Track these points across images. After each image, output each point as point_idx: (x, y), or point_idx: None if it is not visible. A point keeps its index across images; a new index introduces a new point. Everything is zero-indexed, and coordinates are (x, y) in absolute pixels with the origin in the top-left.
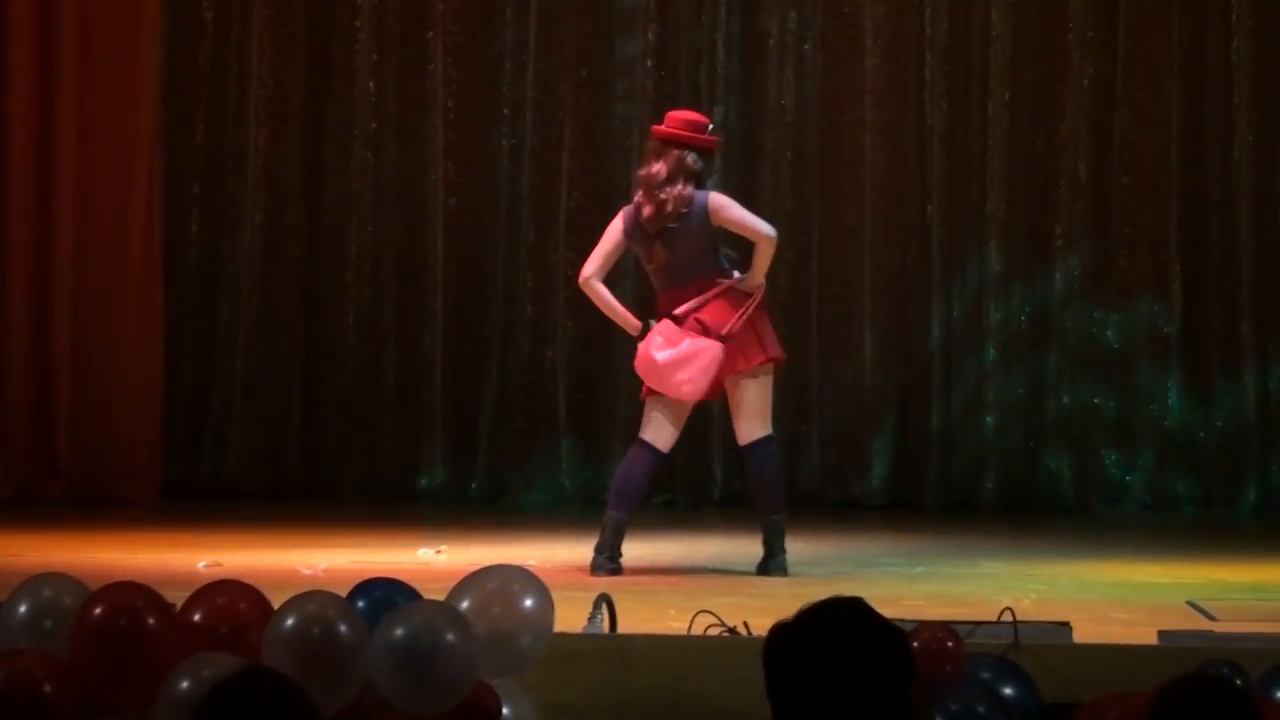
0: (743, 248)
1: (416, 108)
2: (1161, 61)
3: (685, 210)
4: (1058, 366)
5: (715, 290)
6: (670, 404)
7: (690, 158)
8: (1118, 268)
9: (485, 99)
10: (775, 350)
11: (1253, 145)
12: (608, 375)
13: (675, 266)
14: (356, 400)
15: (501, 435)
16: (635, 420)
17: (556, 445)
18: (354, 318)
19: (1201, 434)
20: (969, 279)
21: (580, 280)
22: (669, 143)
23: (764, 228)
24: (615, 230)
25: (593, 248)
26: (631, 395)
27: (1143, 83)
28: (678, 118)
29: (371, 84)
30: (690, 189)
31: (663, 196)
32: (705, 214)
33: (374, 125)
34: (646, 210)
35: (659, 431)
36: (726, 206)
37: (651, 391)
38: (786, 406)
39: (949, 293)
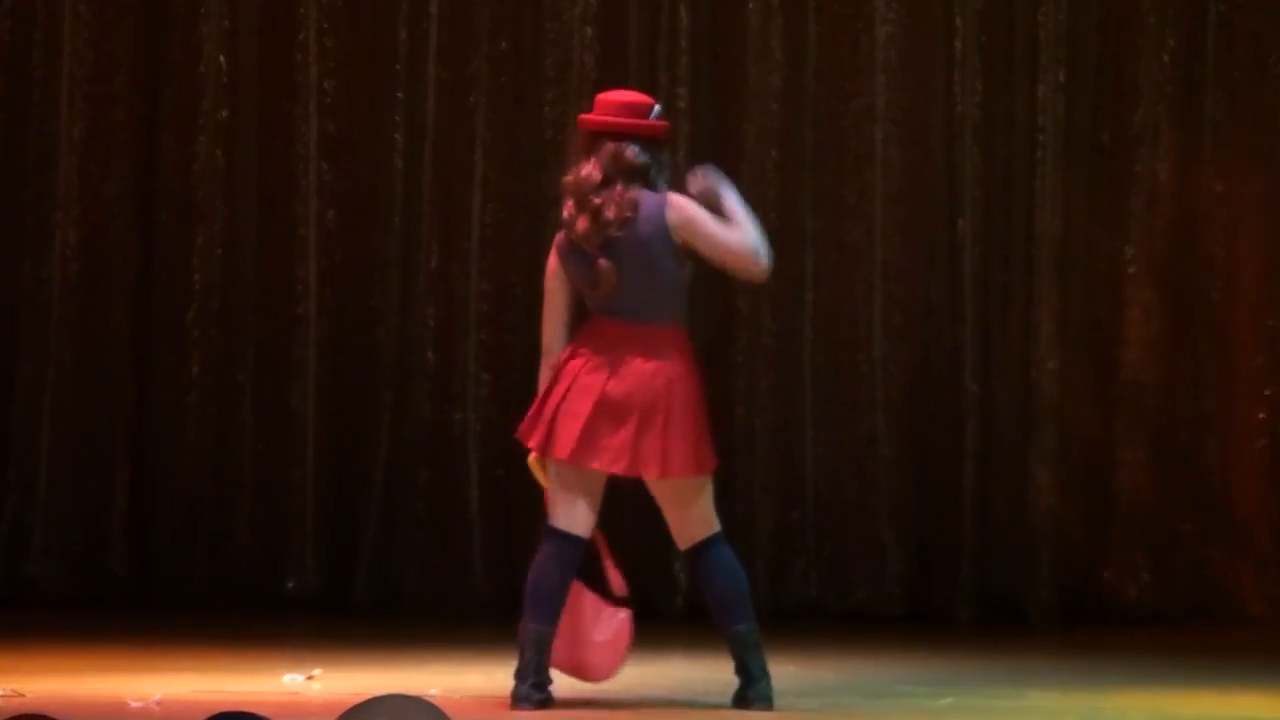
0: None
1: (282, 89)
2: (1266, 27)
3: (630, 215)
4: (1128, 432)
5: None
6: (578, 475)
7: (630, 150)
8: (1208, 304)
9: (373, 78)
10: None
11: None
12: None
13: (628, 294)
14: (202, 478)
15: (393, 524)
16: None
17: (467, 537)
18: (199, 368)
19: None
20: (1013, 318)
21: (548, 364)
22: (601, 134)
23: (741, 243)
24: (551, 272)
25: (517, 276)
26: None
27: (1243, 56)
28: (609, 101)
29: (222, 58)
30: (636, 190)
31: (597, 201)
32: (663, 221)
33: (225, 113)
34: (580, 225)
35: (570, 513)
36: (693, 218)
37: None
38: (774, 488)
39: (987, 335)
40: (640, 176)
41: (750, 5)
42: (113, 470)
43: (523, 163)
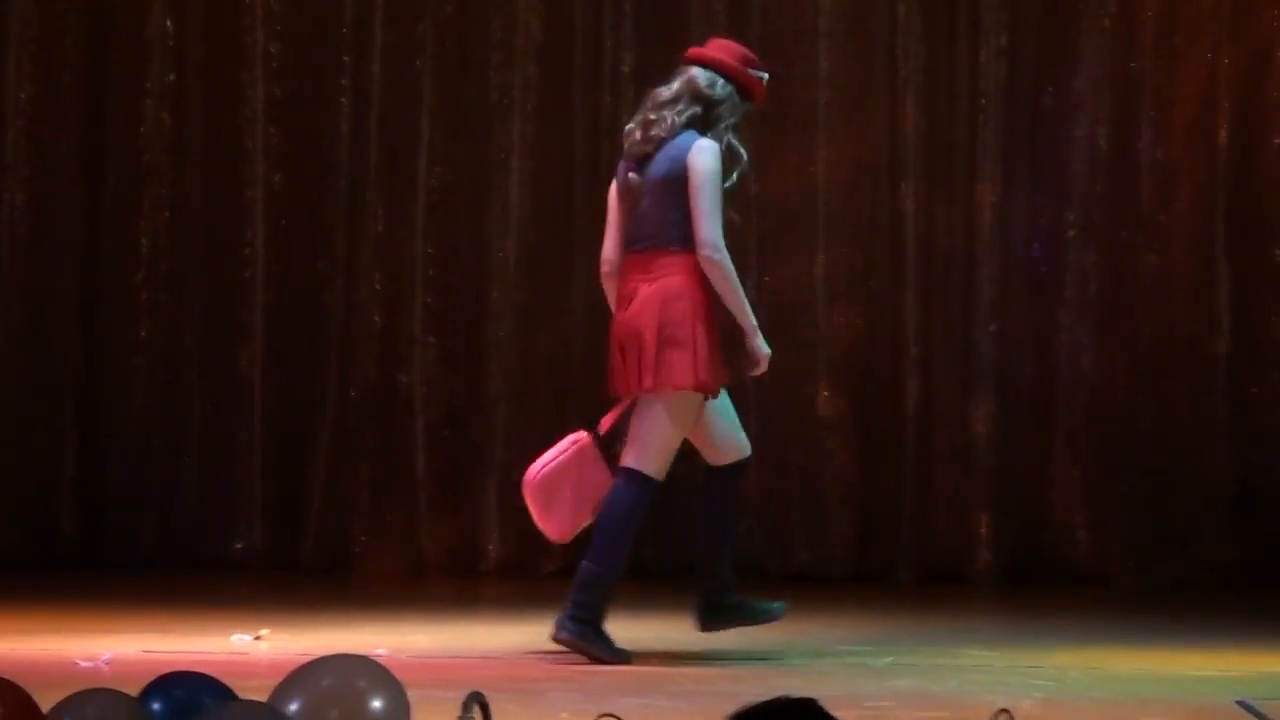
0: None
1: (229, 53)
2: None
3: (665, 137)
4: (1067, 394)
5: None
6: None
7: (704, 80)
8: (1147, 266)
9: (319, 43)
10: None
11: None
12: (480, 407)
13: (639, 220)
14: (149, 441)
15: (341, 486)
16: (516, 464)
17: (413, 499)
18: (146, 331)
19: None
20: (954, 282)
21: (603, 273)
22: (692, 62)
23: (711, 233)
24: (612, 190)
25: (462, 241)
26: (510, 436)
27: (1181, 22)
28: (716, 40)
29: (169, 22)
30: (683, 117)
31: (653, 117)
32: (682, 160)
33: (172, 76)
34: (634, 133)
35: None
36: (701, 169)
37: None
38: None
39: (928, 298)
40: (706, 109)
41: None
42: (61, 432)
43: (469, 127)
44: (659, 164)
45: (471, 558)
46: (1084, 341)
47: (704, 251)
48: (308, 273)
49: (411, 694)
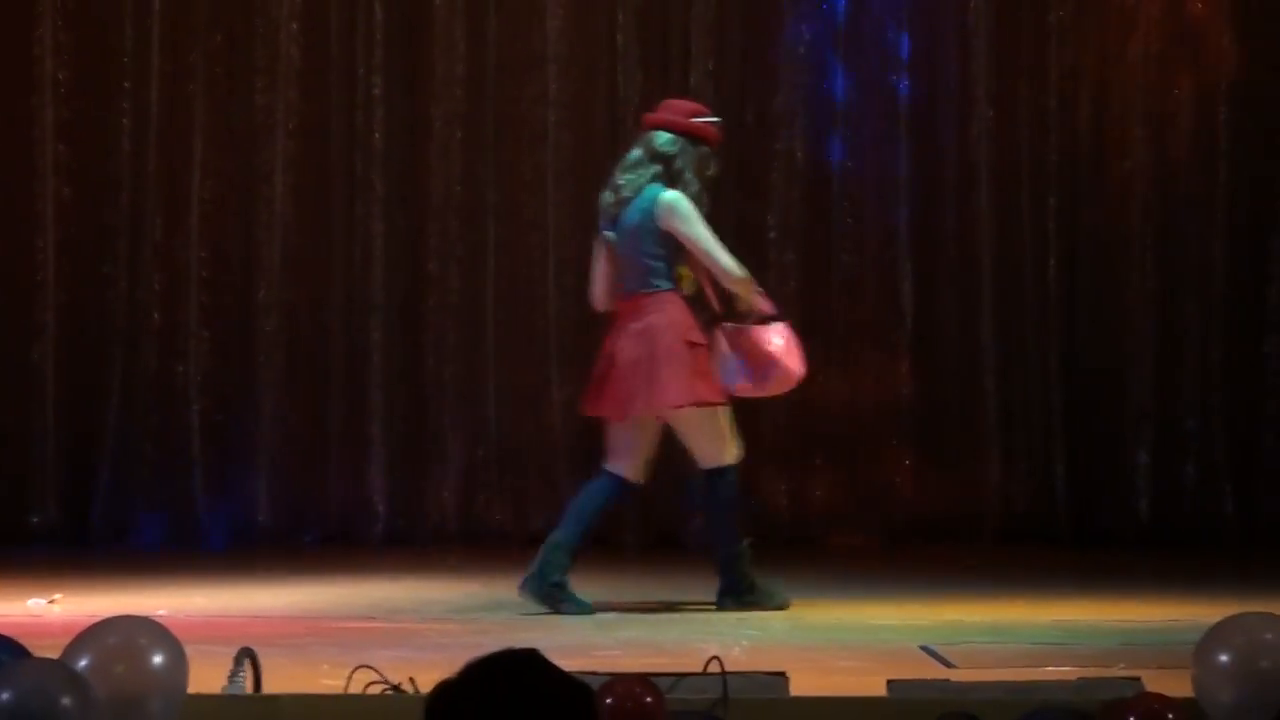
0: None
1: (21, 80)
2: (890, 21)
3: (631, 196)
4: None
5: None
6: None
7: (660, 140)
8: (840, 264)
9: (103, 70)
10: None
11: (992, 120)
12: (249, 393)
13: (620, 270)
14: None
15: (125, 464)
16: (282, 445)
17: (189, 476)
18: None
19: (942, 446)
20: None
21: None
22: (649, 126)
23: (721, 258)
24: (596, 244)
25: (232, 245)
26: (275, 420)
27: (868, 47)
28: (666, 103)
29: None
30: (646, 175)
31: (620, 181)
32: (650, 210)
33: None
34: (608, 198)
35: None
36: (677, 210)
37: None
38: (461, 426)
39: None
40: (664, 164)
41: (437, 3)
42: None
43: (236, 143)
44: (629, 218)
45: (243, 528)
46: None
47: (726, 283)
48: (94, 275)
49: (189, 649)
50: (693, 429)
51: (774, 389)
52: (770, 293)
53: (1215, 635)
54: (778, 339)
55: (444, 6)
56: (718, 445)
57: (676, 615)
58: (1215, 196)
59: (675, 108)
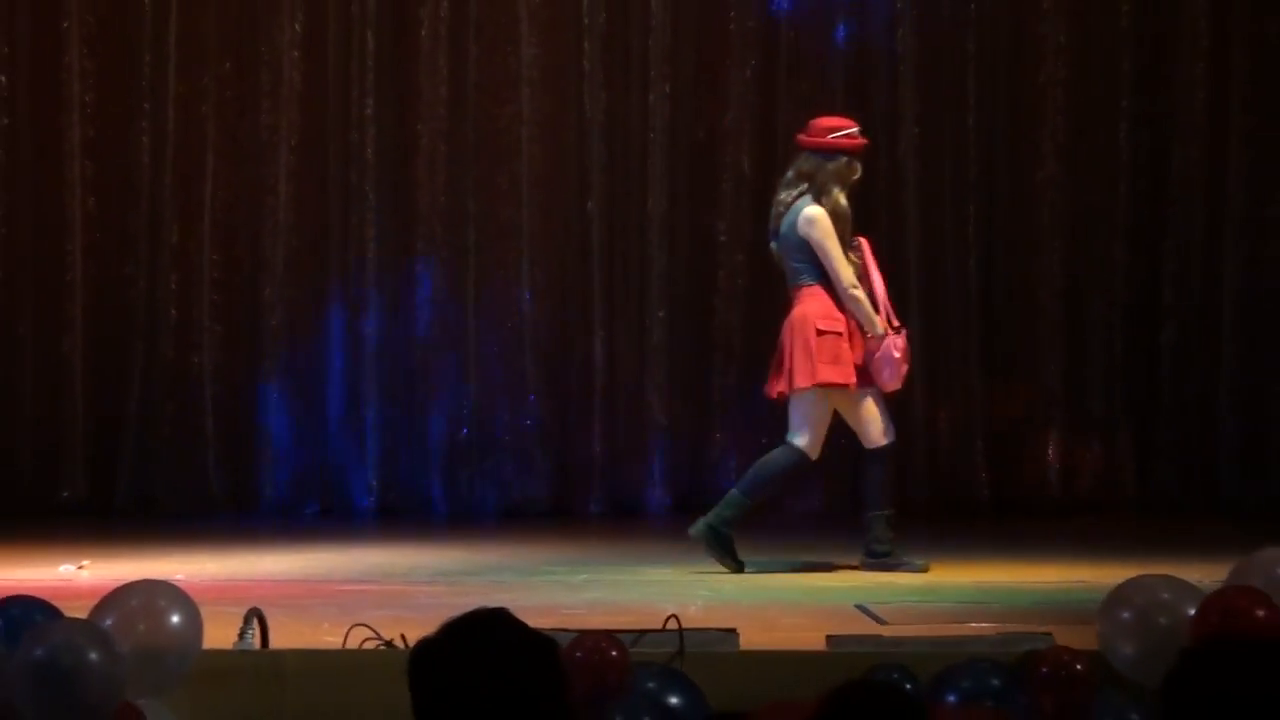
0: None
1: (51, 101)
2: (824, 50)
3: (782, 211)
4: (723, 365)
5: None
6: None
7: (805, 161)
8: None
9: (124, 92)
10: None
11: (918, 137)
12: (256, 380)
13: (785, 270)
14: None
15: (147, 444)
16: (289, 426)
17: (204, 455)
18: None
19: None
20: (630, 278)
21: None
22: (799, 147)
23: (841, 272)
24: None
25: (241, 249)
26: (281, 405)
27: (806, 72)
28: (810, 123)
29: (3, 77)
30: (795, 192)
31: (780, 197)
32: (794, 224)
33: (6, 120)
34: (773, 212)
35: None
36: (816, 224)
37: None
38: (443, 411)
39: (610, 291)
40: (809, 179)
41: (423, 32)
42: None
43: (244, 158)
44: (785, 229)
45: (251, 501)
46: (734, 323)
47: (841, 289)
48: (117, 276)
49: (203, 610)
50: (843, 409)
51: (888, 387)
52: (721, 290)
53: (1118, 595)
54: (895, 351)
55: (429, 36)
56: (865, 427)
57: (635, 578)
58: (1116, 205)
59: (814, 128)
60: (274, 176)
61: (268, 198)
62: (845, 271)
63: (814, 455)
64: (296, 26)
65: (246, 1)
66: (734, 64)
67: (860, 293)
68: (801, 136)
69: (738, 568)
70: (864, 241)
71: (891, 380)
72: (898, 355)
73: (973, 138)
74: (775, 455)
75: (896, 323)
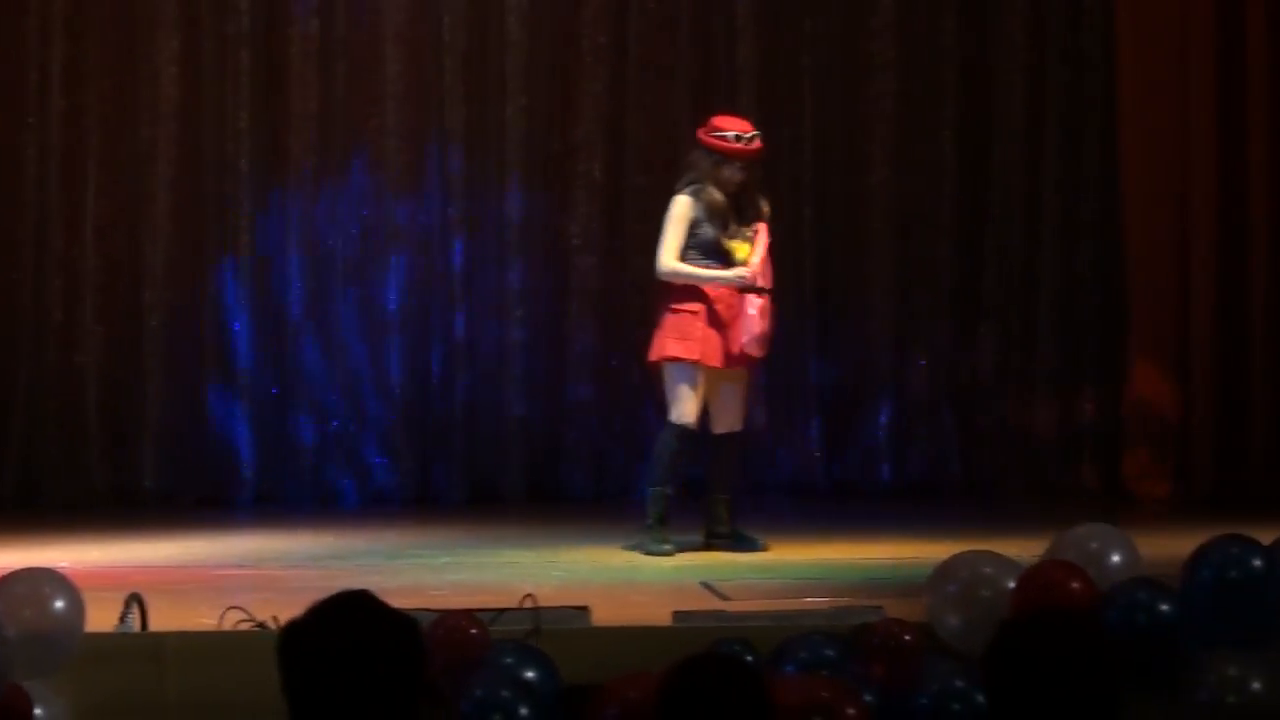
0: None
1: None
2: (673, 64)
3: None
4: (579, 363)
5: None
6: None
7: (693, 152)
8: (634, 267)
9: (10, 107)
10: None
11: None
12: (137, 380)
13: None
14: None
15: (32, 439)
16: (168, 424)
17: (87, 449)
18: None
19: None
20: (489, 281)
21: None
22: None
23: (660, 259)
24: None
25: (121, 254)
26: (161, 403)
27: (654, 86)
28: (708, 118)
29: None
30: (681, 183)
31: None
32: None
33: None
34: None
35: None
36: (670, 208)
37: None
38: (315, 408)
39: (471, 295)
40: (691, 170)
41: (293, 50)
42: None
43: (124, 171)
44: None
45: (133, 493)
46: (588, 324)
47: (658, 269)
48: (3, 281)
49: (86, 595)
50: (663, 382)
51: (751, 351)
52: (572, 290)
53: (944, 570)
54: (750, 309)
55: (299, 54)
56: (718, 413)
57: (495, 560)
58: (941, 207)
59: (707, 124)
60: (153, 187)
61: (147, 207)
62: (665, 256)
63: (690, 422)
64: (174, 44)
65: (127, 22)
66: (586, 79)
67: (680, 268)
68: (698, 130)
69: (675, 549)
70: (762, 227)
71: (750, 344)
72: (753, 312)
73: (808, 145)
74: (659, 437)
75: (767, 287)
